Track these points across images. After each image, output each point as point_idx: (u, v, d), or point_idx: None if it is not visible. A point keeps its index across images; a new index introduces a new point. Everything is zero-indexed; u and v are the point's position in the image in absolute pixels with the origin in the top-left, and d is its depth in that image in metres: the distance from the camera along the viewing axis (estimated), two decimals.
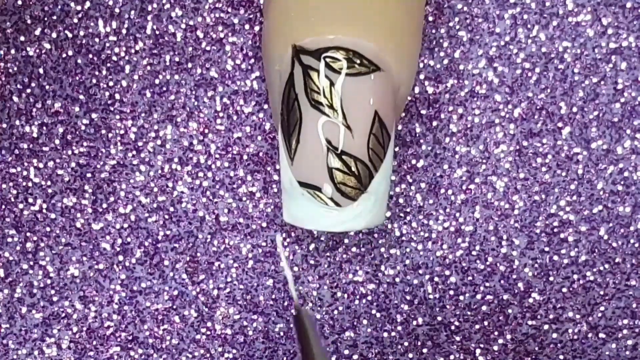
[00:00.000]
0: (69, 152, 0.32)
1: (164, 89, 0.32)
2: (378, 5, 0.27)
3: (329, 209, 0.28)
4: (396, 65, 0.28)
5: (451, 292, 0.33)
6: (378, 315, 0.33)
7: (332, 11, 0.27)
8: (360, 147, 0.27)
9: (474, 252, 0.33)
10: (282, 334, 0.33)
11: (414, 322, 0.33)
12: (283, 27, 0.28)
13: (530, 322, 0.33)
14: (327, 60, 0.27)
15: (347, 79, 0.27)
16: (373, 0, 0.27)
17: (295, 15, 0.27)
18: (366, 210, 0.28)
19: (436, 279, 0.33)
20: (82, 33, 0.32)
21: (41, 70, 0.32)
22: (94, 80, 0.32)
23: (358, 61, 0.27)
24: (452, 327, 0.33)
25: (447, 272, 0.33)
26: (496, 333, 0.33)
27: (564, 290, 0.33)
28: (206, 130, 0.32)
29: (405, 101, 0.29)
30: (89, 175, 0.32)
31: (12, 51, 0.32)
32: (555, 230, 0.32)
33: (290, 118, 0.28)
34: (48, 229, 0.33)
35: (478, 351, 0.33)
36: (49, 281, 0.33)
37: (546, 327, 0.33)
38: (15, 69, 0.32)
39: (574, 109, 0.32)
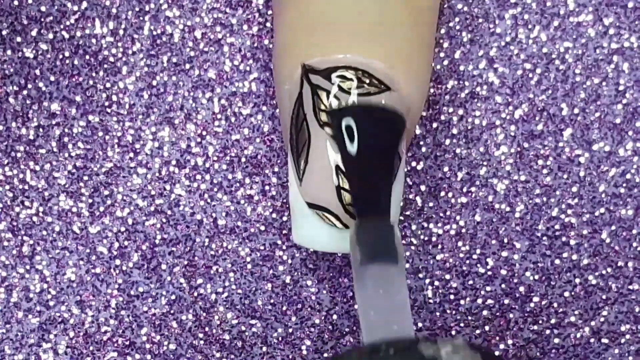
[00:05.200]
0: (66, 155, 0.32)
1: (162, 90, 0.32)
2: (388, 25, 0.27)
3: (338, 230, 0.27)
4: (406, 85, 0.27)
5: (452, 297, 0.33)
6: None
7: (342, 30, 0.27)
8: None
9: (474, 256, 0.32)
10: (280, 339, 0.33)
11: (414, 327, 0.33)
12: (292, 46, 0.28)
13: (531, 327, 0.33)
14: (337, 79, 0.27)
15: (356, 99, 0.26)
16: (383, 20, 0.27)
17: (304, 34, 0.27)
18: None
19: (436, 283, 0.32)
20: (79, 34, 0.32)
21: (38, 72, 0.32)
22: (91, 82, 0.32)
23: (367, 81, 0.26)
24: (453, 332, 0.33)
25: (448, 276, 0.32)
26: (497, 338, 0.33)
27: (566, 294, 0.32)
28: (204, 132, 0.32)
29: (416, 122, 0.29)
30: (85, 178, 0.32)
31: (9, 52, 0.32)
32: (557, 233, 0.32)
33: (299, 138, 0.27)
34: (44, 232, 0.32)
35: None
36: (45, 285, 0.33)
37: (548, 332, 0.33)
38: (12, 70, 0.32)
39: (576, 110, 0.31)
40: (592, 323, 0.33)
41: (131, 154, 0.32)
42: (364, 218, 0.26)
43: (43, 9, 0.32)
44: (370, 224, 0.26)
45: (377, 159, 0.26)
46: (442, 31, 0.31)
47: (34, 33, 0.32)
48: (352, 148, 0.26)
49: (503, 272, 0.32)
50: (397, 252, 0.25)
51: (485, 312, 0.33)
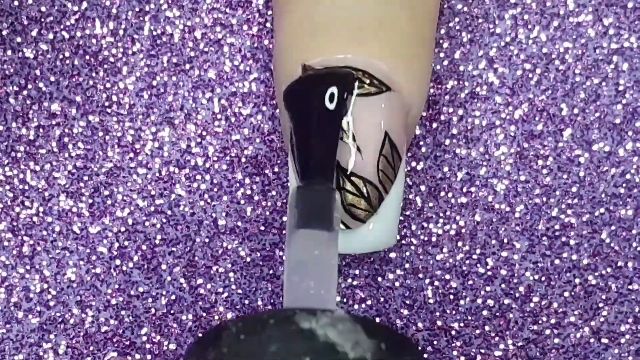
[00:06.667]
0: (66, 155, 0.32)
1: (162, 90, 0.32)
2: (389, 25, 0.27)
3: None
4: (407, 85, 0.27)
5: (451, 297, 0.33)
6: (377, 320, 0.33)
7: (342, 30, 0.27)
8: (370, 169, 0.27)
9: (474, 256, 0.32)
10: None
11: (414, 327, 0.33)
12: (292, 46, 0.28)
13: (531, 327, 0.33)
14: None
15: (356, 99, 0.26)
16: (383, 20, 0.27)
17: (305, 35, 0.27)
18: (376, 232, 0.28)
19: (436, 283, 0.32)
20: (79, 34, 0.32)
21: (38, 72, 0.32)
22: (91, 82, 0.32)
23: (368, 81, 0.26)
24: (453, 332, 0.33)
25: (447, 276, 0.32)
26: (497, 338, 0.33)
27: (566, 294, 0.32)
28: (204, 133, 0.32)
29: (416, 122, 0.29)
30: (85, 178, 0.32)
31: (9, 52, 0.32)
32: (557, 233, 0.32)
33: None
34: (45, 232, 0.32)
35: (479, 357, 0.33)
36: (45, 285, 0.33)
37: (548, 331, 0.32)
38: (12, 70, 0.32)
39: (575, 111, 0.31)
40: (592, 323, 0.33)
41: (131, 154, 0.32)
42: (305, 182, 0.26)
43: (43, 9, 0.32)
44: (311, 189, 0.26)
45: (325, 123, 0.26)
46: (442, 31, 0.31)
47: (34, 33, 0.32)
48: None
49: (503, 272, 0.32)
50: (333, 219, 0.25)
51: (485, 312, 0.33)
